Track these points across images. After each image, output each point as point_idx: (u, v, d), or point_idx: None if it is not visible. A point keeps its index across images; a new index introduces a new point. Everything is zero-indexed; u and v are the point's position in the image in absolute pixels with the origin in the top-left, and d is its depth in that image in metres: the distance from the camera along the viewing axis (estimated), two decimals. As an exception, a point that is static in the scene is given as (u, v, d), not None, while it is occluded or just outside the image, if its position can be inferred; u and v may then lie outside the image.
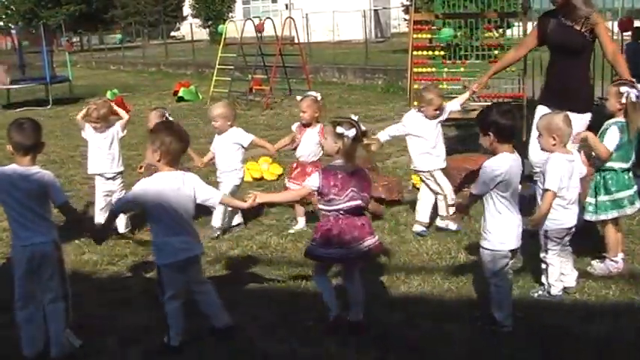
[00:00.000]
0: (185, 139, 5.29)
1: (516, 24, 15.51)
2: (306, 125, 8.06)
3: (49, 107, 21.55)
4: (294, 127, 8.24)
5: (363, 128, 5.39)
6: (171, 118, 7.11)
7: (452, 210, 7.44)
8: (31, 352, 5.19)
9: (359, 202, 5.26)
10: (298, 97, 8.46)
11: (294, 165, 8.20)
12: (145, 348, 5.38)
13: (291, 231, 8.08)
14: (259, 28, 21.05)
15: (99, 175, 8.23)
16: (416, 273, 6.57)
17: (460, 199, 7.35)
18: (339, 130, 5.21)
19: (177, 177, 5.19)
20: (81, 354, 5.24)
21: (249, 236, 7.91)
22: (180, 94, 21.73)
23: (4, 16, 78.70)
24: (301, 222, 8.18)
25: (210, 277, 6.48)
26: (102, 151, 8.18)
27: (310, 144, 8.01)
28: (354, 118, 5.40)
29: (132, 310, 6.06)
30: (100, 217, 8.13)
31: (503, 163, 5.18)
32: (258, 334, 5.52)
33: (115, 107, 8.36)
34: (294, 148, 8.19)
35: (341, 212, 5.24)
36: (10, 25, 72.51)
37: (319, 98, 8.16)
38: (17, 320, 5.19)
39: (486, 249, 5.30)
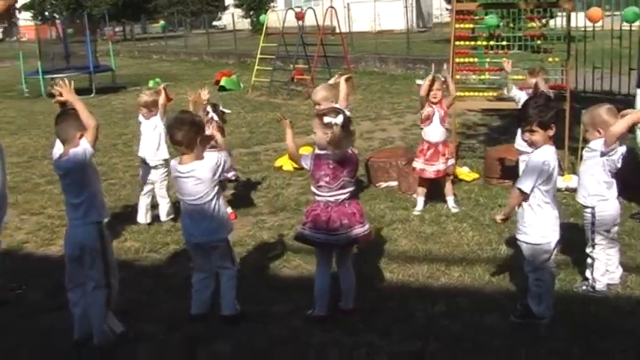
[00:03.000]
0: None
1: (559, 14, 15.36)
2: (435, 104, 8.12)
3: (92, 96, 21.74)
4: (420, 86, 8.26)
5: (348, 114, 5.49)
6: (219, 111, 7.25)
7: None
8: (78, 335, 5.31)
9: (350, 189, 5.37)
10: (419, 81, 8.50)
11: (426, 146, 8.24)
12: (186, 334, 5.43)
13: (416, 213, 8.22)
14: (300, 17, 21.05)
15: (143, 160, 8.31)
16: (456, 264, 6.56)
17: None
18: (327, 119, 5.24)
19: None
20: (123, 340, 5.30)
21: (290, 225, 7.94)
22: (222, 83, 21.83)
23: (49, 7, 79.56)
24: (420, 203, 8.33)
25: (251, 265, 6.55)
26: (145, 137, 8.29)
27: (439, 124, 8.11)
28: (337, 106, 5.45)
29: (174, 297, 6.12)
30: (142, 201, 8.27)
31: (549, 155, 5.13)
32: (302, 323, 5.54)
33: (162, 91, 8.36)
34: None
35: (332, 200, 5.30)
36: (55, 15, 73.45)
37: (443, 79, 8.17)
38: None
39: (527, 243, 5.25)
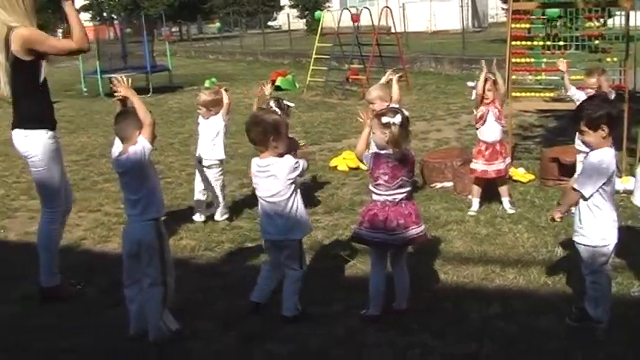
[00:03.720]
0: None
1: (618, 13, 15.15)
2: (488, 104, 8.12)
3: (149, 95, 22.00)
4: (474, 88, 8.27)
5: (406, 113, 5.50)
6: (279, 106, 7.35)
7: None
8: (134, 331, 5.38)
9: (408, 188, 5.40)
10: (469, 83, 8.48)
11: (483, 146, 8.22)
12: (242, 333, 5.47)
13: (471, 214, 8.20)
14: (355, 20, 21.06)
15: (199, 159, 8.39)
16: (512, 266, 6.52)
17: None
18: (385, 119, 5.27)
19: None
20: (178, 337, 5.35)
21: (344, 225, 7.96)
22: (277, 83, 21.91)
23: (107, 7, 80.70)
24: (475, 204, 8.31)
25: (306, 264, 6.59)
26: (202, 137, 8.36)
27: (494, 123, 8.11)
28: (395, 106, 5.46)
29: (229, 295, 6.17)
30: (198, 199, 8.40)
31: (606, 156, 5.05)
32: (357, 323, 5.55)
33: (223, 92, 8.43)
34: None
35: (389, 199, 5.32)
36: (113, 15, 74.47)
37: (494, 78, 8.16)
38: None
39: (585, 245, 5.16)
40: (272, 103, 8.16)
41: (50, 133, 6.09)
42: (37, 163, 6.08)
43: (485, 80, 8.02)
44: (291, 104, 8.40)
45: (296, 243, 5.60)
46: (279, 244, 5.58)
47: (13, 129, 6.14)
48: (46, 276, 6.28)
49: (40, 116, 6.09)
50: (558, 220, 5.29)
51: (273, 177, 5.40)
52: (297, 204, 5.52)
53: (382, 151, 5.36)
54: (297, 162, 5.44)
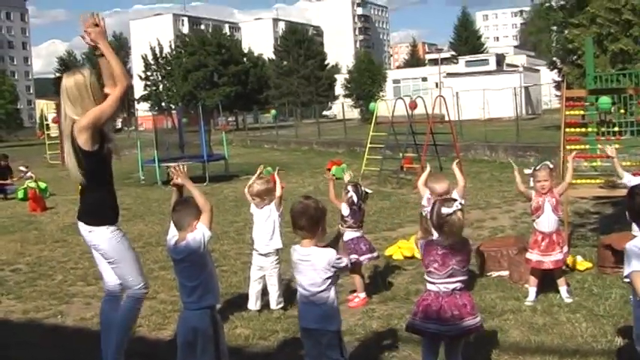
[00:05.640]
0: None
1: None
2: (544, 194, 8.07)
3: (205, 184, 22.31)
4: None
5: (462, 202, 5.68)
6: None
7: None
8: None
9: (461, 277, 5.33)
10: (527, 171, 8.46)
11: (540, 237, 8.16)
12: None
13: (528, 303, 8.07)
14: (412, 107, 21.25)
15: (255, 249, 8.44)
16: (570, 357, 6.39)
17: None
18: (444, 210, 5.24)
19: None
20: None
21: (399, 315, 7.90)
22: (332, 172, 22.02)
23: (165, 98, 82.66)
24: (532, 293, 8.19)
25: (360, 354, 6.52)
26: (258, 226, 8.39)
27: (551, 213, 8.06)
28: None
29: (283, 384, 6.15)
30: (253, 288, 8.37)
31: None
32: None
33: (277, 181, 8.52)
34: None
35: (442, 289, 5.28)
36: (171, 105, 76.18)
37: (551, 167, 8.14)
38: None
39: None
40: (350, 188, 8.27)
41: (112, 227, 6.24)
42: (108, 255, 6.28)
43: (533, 173, 8.02)
44: (370, 191, 8.48)
45: (334, 333, 5.57)
46: (315, 332, 5.51)
47: (78, 219, 6.34)
48: (115, 355, 6.36)
49: (103, 211, 6.25)
50: None
51: (312, 266, 5.41)
52: (333, 296, 5.51)
53: (433, 239, 5.36)
54: (339, 258, 5.44)
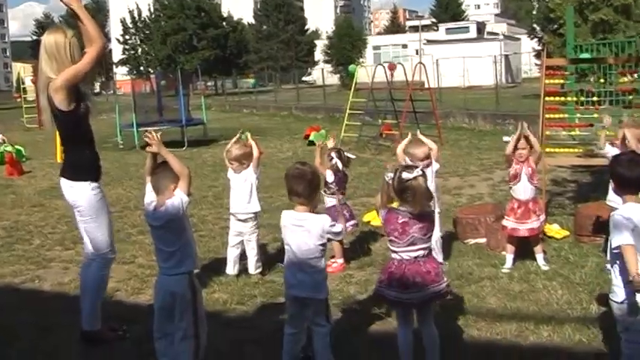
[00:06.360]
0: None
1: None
2: (522, 162, 8.11)
3: (184, 149, 22.24)
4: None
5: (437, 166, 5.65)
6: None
7: None
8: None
9: (423, 245, 5.26)
10: (505, 138, 8.47)
11: (516, 204, 8.20)
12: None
13: (505, 270, 8.12)
14: (391, 68, 21.20)
15: (232, 214, 8.43)
16: (545, 323, 6.44)
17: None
18: (405, 175, 5.18)
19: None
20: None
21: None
22: (311, 137, 22.07)
23: (144, 62, 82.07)
24: (509, 260, 8.24)
25: (338, 319, 6.54)
26: (235, 191, 8.36)
27: (527, 182, 8.10)
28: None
29: (261, 348, 6.16)
30: (231, 253, 8.37)
31: (632, 213, 5.01)
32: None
33: (252, 143, 8.45)
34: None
35: (405, 257, 5.25)
36: (149, 69, 75.65)
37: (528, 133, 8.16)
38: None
39: (615, 302, 5.13)
40: (333, 154, 8.26)
41: (94, 184, 6.25)
42: (84, 213, 6.28)
43: (519, 138, 8.01)
44: (353, 156, 8.47)
45: (322, 301, 5.58)
46: (304, 301, 5.52)
47: (60, 177, 6.35)
48: (89, 319, 6.39)
49: (85, 167, 6.28)
50: None
51: (307, 232, 5.40)
52: (324, 263, 5.53)
53: (396, 207, 5.33)
54: (334, 224, 5.44)
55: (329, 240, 5.70)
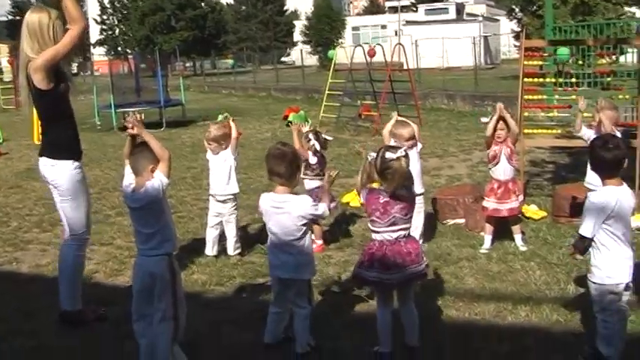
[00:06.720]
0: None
1: (630, 50, 15.20)
2: (501, 142, 8.14)
3: (162, 130, 22.18)
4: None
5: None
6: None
7: None
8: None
9: (404, 226, 5.28)
10: (483, 119, 8.51)
11: (495, 185, 8.23)
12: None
13: (483, 251, 8.18)
14: (371, 54, 21.17)
15: (211, 195, 8.41)
16: (523, 303, 6.49)
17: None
18: (388, 155, 5.20)
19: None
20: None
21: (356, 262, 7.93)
22: (289, 118, 22.01)
23: (122, 42, 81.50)
24: (487, 241, 8.29)
25: (317, 300, 6.56)
26: (214, 172, 8.34)
27: (506, 163, 8.14)
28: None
29: (239, 329, 6.17)
30: (210, 234, 8.36)
31: (610, 196, 5.06)
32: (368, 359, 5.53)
33: (232, 124, 8.40)
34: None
35: (386, 237, 5.26)
36: (127, 50, 75.18)
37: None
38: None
39: (593, 282, 5.17)
40: (311, 136, 8.26)
41: (76, 163, 6.24)
42: (64, 192, 6.24)
43: (499, 120, 8.03)
44: (330, 138, 8.46)
45: (304, 282, 5.60)
46: (287, 282, 5.54)
47: (40, 156, 6.29)
48: (68, 300, 6.39)
49: (67, 146, 6.25)
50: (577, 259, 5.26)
51: (288, 214, 5.40)
52: (308, 244, 5.53)
53: (376, 187, 5.34)
54: (315, 204, 5.44)
55: (311, 221, 5.70)
